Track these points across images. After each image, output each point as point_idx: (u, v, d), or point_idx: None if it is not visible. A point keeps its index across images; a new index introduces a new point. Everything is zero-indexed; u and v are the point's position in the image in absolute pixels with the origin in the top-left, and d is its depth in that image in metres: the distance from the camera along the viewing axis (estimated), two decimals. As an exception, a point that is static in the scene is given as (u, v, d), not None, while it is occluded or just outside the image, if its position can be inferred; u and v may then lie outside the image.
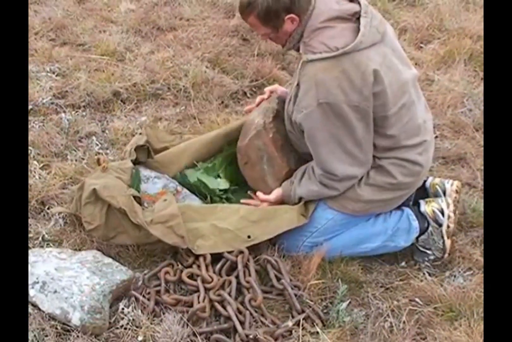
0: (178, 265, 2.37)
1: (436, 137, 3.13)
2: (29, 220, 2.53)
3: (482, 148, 3.15)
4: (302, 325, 2.21)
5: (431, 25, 4.27)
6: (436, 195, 2.63)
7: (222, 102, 3.45)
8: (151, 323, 2.16)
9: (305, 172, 2.47)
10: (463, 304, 2.33)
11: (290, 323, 2.23)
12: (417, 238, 2.54)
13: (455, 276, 2.50)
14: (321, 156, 2.34)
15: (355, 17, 2.23)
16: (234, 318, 2.17)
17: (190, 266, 2.36)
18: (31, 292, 2.15)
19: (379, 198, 2.41)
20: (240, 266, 2.32)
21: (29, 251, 2.30)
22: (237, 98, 3.52)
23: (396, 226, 2.51)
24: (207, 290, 2.27)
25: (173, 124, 3.20)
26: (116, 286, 2.22)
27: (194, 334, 2.14)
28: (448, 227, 2.53)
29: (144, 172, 2.67)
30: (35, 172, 2.77)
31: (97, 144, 3.03)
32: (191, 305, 2.23)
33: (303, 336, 2.18)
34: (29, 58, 3.52)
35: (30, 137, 2.94)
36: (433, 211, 2.53)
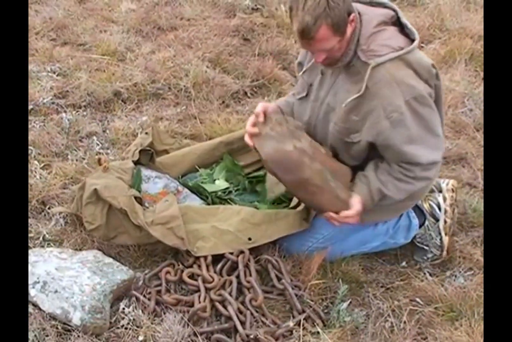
0: (179, 265, 2.38)
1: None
2: (29, 219, 2.54)
3: (483, 148, 3.15)
4: (303, 325, 2.21)
5: (432, 25, 4.27)
6: (432, 195, 2.63)
7: (223, 102, 3.45)
8: (152, 323, 2.16)
9: (377, 171, 2.32)
10: (464, 304, 2.33)
11: (291, 323, 2.23)
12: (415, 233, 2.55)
13: (455, 276, 2.50)
14: (409, 152, 2.21)
15: (391, 21, 2.22)
16: (235, 318, 2.17)
17: (191, 266, 2.36)
18: (32, 291, 2.15)
19: (389, 208, 2.41)
20: (240, 266, 2.32)
21: (30, 251, 2.30)
22: (238, 98, 3.51)
23: (397, 225, 2.51)
24: (207, 290, 2.27)
25: (173, 124, 3.19)
26: (117, 285, 2.22)
27: (195, 334, 2.14)
28: (445, 222, 2.53)
29: (145, 172, 2.67)
30: (35, 172, 2.77)
31: (98, 144, 3.03)
32: (192, 305, 2.23)
33: (303, 336, 2.18)
34: (30, 58, 3.52)
35: (30, 137, 2.94)
36: (430, 205, 2.54)
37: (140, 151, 2.69)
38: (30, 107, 3.16)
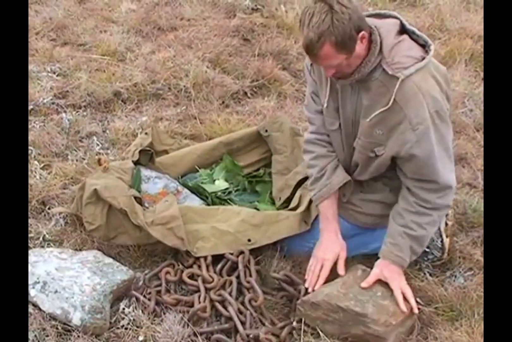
0: (178, 265, 2.38)
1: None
2: (29, 220, 2.54)
3: (483, 148, 3.15)
4: (303, 325, 2.21)
5: (432, 25, 4.27)
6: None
7: (223, 102, 3.45)
8: (152, 323, 2.16)
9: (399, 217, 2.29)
10: (464, 304, 2.32)
11: (294, 323, 2.23)
12: None
13: (455, 276, 2.49)
14: (430, 165, 2.20)
15: (401, 30, 2.20)
16: (235, 318, 2.17)
17: (191, 266, 2.36)
18: (32, 292, 2.15)
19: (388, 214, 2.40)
20: (240, 266, 2.32)
21: (30, 251, 2.30)
22: (238, 98, 3.52)
23: (397, 226, 2.51)
24: (207, 290, 2.27)
25: (173, 125, 3.20)
26: (117, 286, 2.22)
27: (195, 334, 2.14)
28: (446, 224, 2.53)
29: (145, 172, 2.67)
30: (35, 172, 2.77)
31: (98, 144, 3.03)
32: (192, 305, 2.23)
33: (304, 336, 2.18)
34: (30, 58, 3.52)
35: (30, 137, 2.94)
36: None
37: (140, 152, 2.69)
38: (30, 107, 3.16)
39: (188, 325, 2.15)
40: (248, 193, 2.77)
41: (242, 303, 2.26)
